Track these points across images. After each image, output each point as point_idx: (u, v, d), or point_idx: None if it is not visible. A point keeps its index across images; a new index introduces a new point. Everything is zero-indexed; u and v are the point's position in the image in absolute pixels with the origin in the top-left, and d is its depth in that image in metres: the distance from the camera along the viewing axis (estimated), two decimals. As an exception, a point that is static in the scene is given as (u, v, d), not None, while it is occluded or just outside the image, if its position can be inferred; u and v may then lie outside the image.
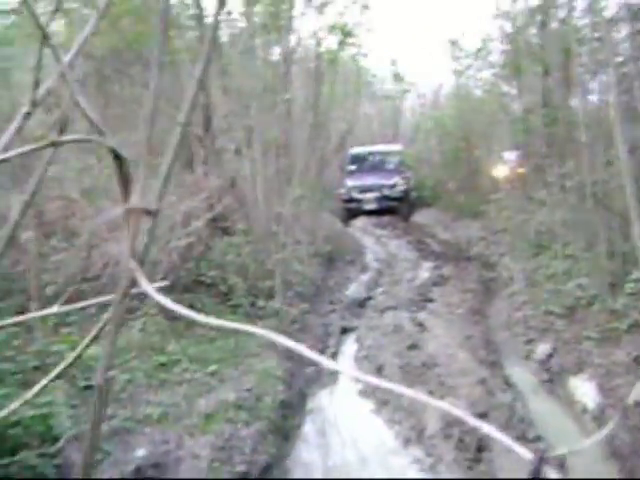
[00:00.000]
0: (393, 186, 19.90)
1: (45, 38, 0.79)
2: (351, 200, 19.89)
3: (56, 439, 4.26)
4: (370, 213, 19.92)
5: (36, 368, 5.12)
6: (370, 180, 20.00)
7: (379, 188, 19.82)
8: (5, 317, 6.29)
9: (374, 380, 0.70)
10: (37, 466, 3.99)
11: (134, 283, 0.81)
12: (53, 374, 1.04)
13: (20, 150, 0.81)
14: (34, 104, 0.76)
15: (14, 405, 1.12)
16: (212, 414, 5.29)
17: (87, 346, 1.07)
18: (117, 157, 0.81)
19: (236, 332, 7.29)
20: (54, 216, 8.06)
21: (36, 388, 1.08)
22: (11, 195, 6.24)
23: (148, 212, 0.81)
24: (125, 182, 0.83)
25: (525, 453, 0.56)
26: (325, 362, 0.79)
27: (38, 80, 0.78)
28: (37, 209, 7.61)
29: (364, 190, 19.87)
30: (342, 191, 20.07)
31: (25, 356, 5.36)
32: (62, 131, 0.80)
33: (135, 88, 11.12)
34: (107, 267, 7.00)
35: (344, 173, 20.99)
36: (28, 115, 0.79)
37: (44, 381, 1.03)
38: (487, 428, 0.60)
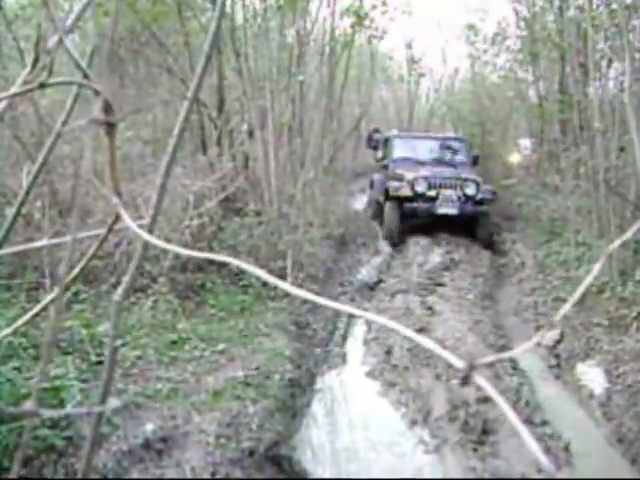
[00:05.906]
0: (477, 183, 12.66)
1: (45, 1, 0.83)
2: (415, 197, 12.58)
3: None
4: (441, 223, 12.68)
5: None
6: (442, 171, 13.16)
7: (459, 184, 12.64)
8: (19, 293, 6.42)
9: (380, 319, 0.74)
10: (47, 437, 4.07)
11: (118, 219, 0.84)
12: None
13: (9, 93, 0.85)
14: (35, 63, 0.80)
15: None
16: (220, 391, 5.36)
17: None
18: (101, 99, 0.85)
19: (245, 311, 7.37)
20: (68, 195, 8.14)
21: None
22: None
23: (110, 124, 0.84)
24: (110, 123, 0.86)
25: (457, 362, 0.62)
26: (339, 306, 0.83)
27: (39, 41, 0.82)
28: (52, 187, 7.70)
29: (438, 185, 12.62)
30: (394, 184, 12.80)
31: (38, 331, 5.45)
32: (50, 75, 0.84)
33: (150, 69, 11.19)
34: (119, 245, 7.08)
35: (385, 163, 14.62)
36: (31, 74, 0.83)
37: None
38: (425, 342, 0.65)
